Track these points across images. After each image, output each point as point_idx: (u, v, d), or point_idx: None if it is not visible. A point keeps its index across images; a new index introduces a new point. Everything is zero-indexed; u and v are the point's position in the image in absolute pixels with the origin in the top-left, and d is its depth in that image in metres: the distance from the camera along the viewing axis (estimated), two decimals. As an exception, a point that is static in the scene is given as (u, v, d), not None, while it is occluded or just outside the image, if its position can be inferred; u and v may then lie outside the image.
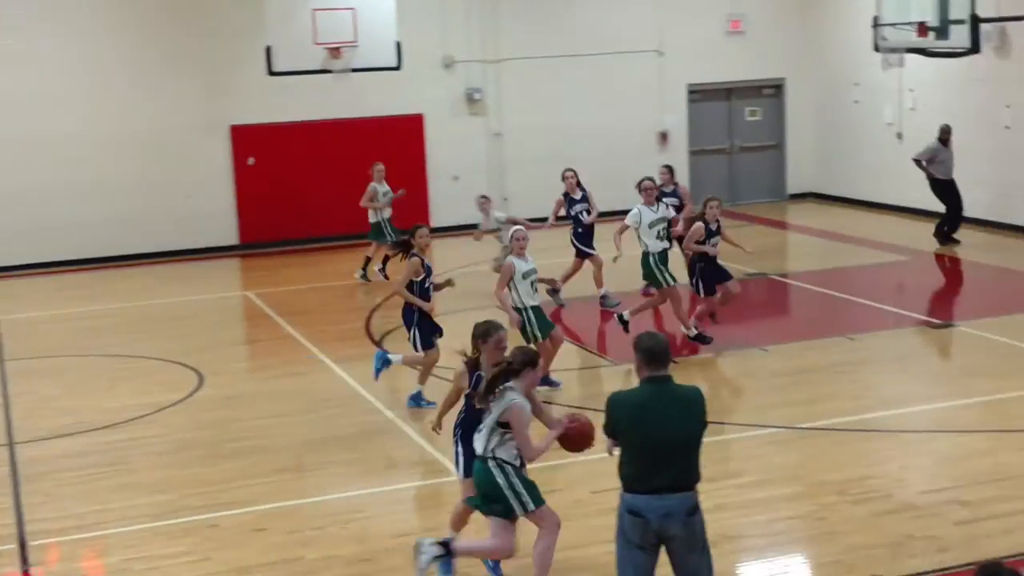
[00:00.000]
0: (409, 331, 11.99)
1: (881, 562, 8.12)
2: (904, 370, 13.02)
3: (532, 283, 11.96)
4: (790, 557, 8.56)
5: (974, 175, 19.80)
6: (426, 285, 11.93)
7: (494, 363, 7.83)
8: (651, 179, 14.67)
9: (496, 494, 7.57)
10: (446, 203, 22.86)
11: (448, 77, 22.95)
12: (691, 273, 14.04)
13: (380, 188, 18.78)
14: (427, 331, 11.94)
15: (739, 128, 24.79)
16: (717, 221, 13.81)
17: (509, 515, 7.63)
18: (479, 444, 7.64)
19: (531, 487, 7.63)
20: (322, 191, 22.20)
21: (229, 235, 22.19)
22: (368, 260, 18.95)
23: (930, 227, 20.02)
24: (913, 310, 15.52)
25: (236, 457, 10.86)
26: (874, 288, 16.69)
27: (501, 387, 7.52)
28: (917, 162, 19.74)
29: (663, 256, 14.05)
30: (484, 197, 17.44)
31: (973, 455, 10.31)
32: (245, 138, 21.98)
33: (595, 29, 23.29)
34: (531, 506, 7.59)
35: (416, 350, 12.03)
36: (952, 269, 18.38)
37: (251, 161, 21.98)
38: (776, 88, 24.81)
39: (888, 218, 22.30)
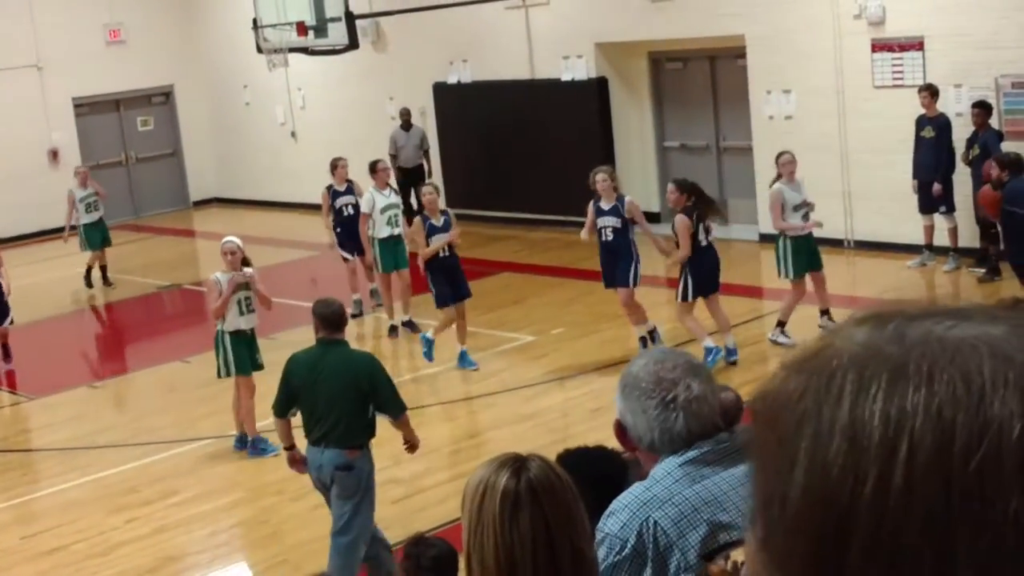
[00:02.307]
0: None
1: (326, 554, 8.23)
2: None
3: (241, 301, 10.33)
4: (237, 565, 8.46)
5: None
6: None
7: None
8: (384, 161, 13.83)
9: None
10: None
11: None
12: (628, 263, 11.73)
13: (79, 193, 17.13)
14: (443, 288, 11.68)
15: (133, 139, 24.17)
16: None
17: None
18: None
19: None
20: None
21: None
22: (91, 270, 17.49)
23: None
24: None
25: None
26: (289, 285, 16.88)
27: None
28: (392, 157, 19.53)
29: (386, 243, 13.31)
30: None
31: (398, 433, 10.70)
32: None
33: (-36, 46, 21.77)
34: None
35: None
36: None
37: None
38: (166, 96, 24.43)
39: (291, 216, 22.65)
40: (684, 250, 11.20)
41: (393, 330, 13.74)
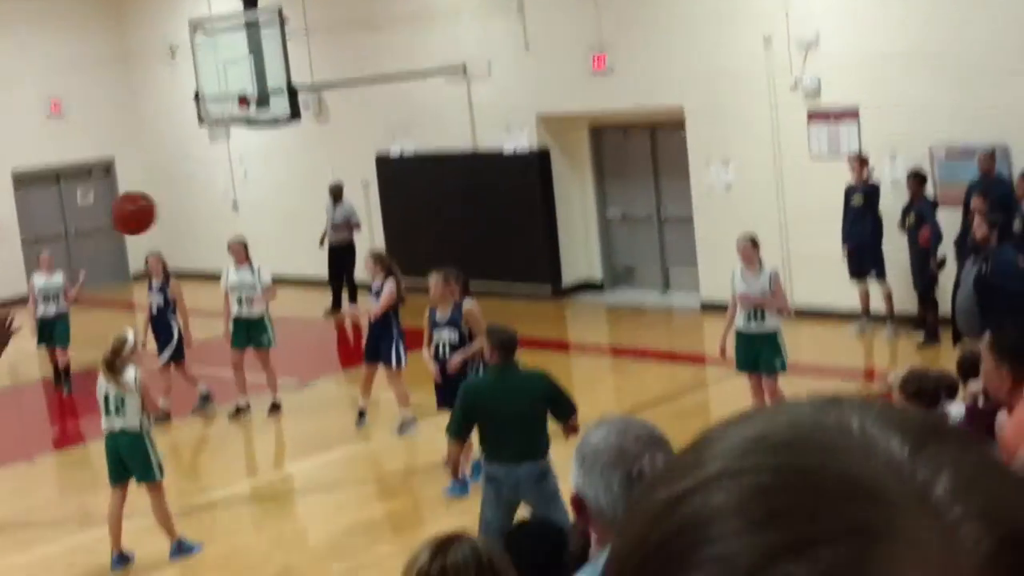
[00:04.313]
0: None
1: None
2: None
3: None
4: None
5: (309, 236, 20.39)
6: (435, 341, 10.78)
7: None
8: (238, 237, 13.69)
9: None
10: None
11: None
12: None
13: (39, 281, 15.27)
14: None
15: (73, 212, 24.00)
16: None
17: None
18: None
19: None
20: None
21: None
22: (56, 368, 15.62)
23: (303, 295, 20.14)
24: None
25: None
26: (226, 358, 16.66)
27: None
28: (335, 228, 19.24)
29: (236, 322, 13.18)
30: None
31: (335, 514, 10.55)
32: None
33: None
34: None
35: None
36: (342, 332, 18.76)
37: None
38: (106, 169, 24.31)
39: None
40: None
41: (237, 411, 13.58)
